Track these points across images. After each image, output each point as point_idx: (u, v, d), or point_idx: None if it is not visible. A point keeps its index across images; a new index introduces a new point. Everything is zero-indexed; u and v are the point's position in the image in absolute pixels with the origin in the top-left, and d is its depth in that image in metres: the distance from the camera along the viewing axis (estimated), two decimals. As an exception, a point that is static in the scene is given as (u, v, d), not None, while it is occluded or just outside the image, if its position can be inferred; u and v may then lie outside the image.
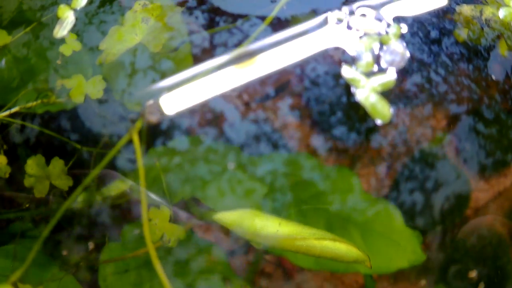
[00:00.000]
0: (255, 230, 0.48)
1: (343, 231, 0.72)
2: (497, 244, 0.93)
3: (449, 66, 1.00)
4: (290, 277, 0.96)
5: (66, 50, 0.56)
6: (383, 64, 0.38)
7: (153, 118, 0.42)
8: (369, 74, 0.37)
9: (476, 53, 0.99)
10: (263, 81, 0.99)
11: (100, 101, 0.67)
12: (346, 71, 0.37)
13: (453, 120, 1.02)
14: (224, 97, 0.80)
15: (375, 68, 0.42)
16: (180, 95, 0.63)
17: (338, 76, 0.46)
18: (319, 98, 0.90)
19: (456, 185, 0.97)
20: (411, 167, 0.98)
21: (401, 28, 0.38)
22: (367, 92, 0.37)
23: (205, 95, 0.77)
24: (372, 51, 0.38)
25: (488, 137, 1.00)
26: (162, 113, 0.42)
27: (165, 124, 0.87)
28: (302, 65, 0.95)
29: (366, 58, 0.37)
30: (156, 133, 0.87)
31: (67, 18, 0.51)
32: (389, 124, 0.89)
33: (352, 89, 0.39)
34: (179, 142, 0.72)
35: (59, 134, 0.63)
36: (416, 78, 0.98)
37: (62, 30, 0.51)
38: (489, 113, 1.00)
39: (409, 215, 0.96)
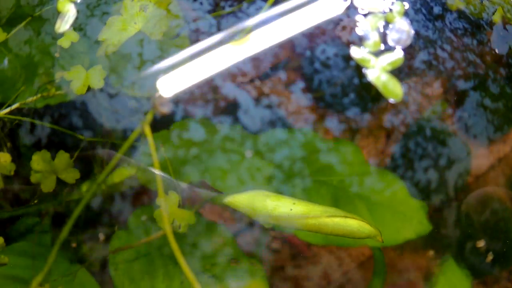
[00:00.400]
0: (267, 211, 0.48)
1: (349, 205, 0.73)
2: (504, 214, 0.94)
3: (454, 41, 1.00)
4: (298, 252, 0.97)
5: (64, 42, 0.56)
6: (390, 43, 0.38)
7: (164, 109, 0.41)
8: (377, 53, 0.37)
9: (478, 27, 0.99)
10: (265, 58, 0.99)
11: (110, 94, 0.67)
12: (355, 52, 0.37)
13: (459, 95, 1.02)
14: (236, 83, 0.80)
15: (382, 47, 0.41)
16: (186, 79, 0.63)
17: (347, 57, 0.46)
18: (330, 80, 0.90)
19: (456, 153, 0.97)
20: (414, 140, 0.98)
21: (404, 5, 0.38)
22: (377, 72, 0.37)
23: (211, 77, 0.77)
24: (378, 29, 0.38)
25: (493, 110, 1.00)
26: (172, 103, 0.42)
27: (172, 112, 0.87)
28: (311, 47, 0.95)
29: (373, 37, 0.37)
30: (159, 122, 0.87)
31: (68, 11, 0.50)
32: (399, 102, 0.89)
33: (363, 70, 0.39)
34: (195, 131, 0.72)
35: (66, 128, 0.63)
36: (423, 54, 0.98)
37: (64, 24, 0.51)
38: (494, 88, 1.01)
39: (413, 185, 0.97)
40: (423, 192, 0.96)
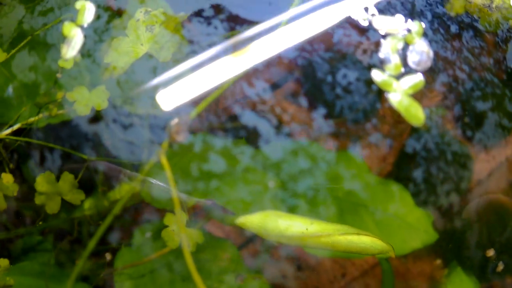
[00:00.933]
0: (279, 232, 0.47)
1: (354, 216, 0.73)
2: (505, 218, 0.94)
3: (472, 61, 1.00)
4: (302, 262, 0.96)
5: (66, 64, 0.55)
6: (411, 65, 0.37)
7: (180, 138, 0.41)
8: (398, 76, 0.37)
9: (494, 46, 0.99)
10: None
11: (124, 126, 0.66)
12: (377, 75, 0.36)
13: (451, 93, 1.02)
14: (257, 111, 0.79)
15: (403, 69, 0.41)
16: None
17: (369, 81, 0.45)
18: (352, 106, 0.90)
19: (458, 158, 0.97)
20: (412, 144, 0.98)
21: (423, 25, 0.37)
22: (399, 96, 0.36)
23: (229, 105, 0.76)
24: (398, 52, 0.37)
25: (486, 108, 1.00)
26: (188, 131, 0.42)
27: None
28: (332, 72, 0.95)
29: (394, 60, 0.36)
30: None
31: (74, 36, 0.49)
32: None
33: (385, 94, 0.39)
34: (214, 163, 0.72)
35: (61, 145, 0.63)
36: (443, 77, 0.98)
37: (71, 50, 0.50)
38: (486, 84, 1.01)
39: (414, 192, 0.97)
40: (426, 199, 0.96)
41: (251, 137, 0.72)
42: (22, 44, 0.59)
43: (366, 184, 0.75)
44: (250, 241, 0.95)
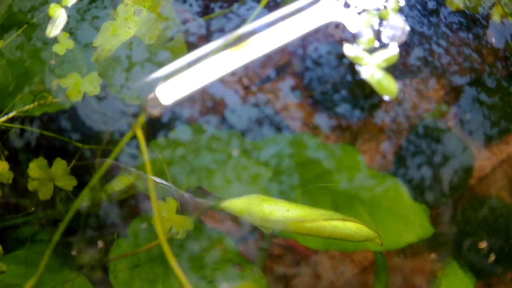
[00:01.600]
0: (264, 216, 0.47)
1: (350, 209, 0.72)
2: (507, 214, 0.93)
3: (449, 36, 0.99)
4: (300, 258, 0.96)
5: (59, 49, 0.56)
6: (384, 40, 0.37)
7: (155, 112, 0.41)
8: (371, 50, 0.37)
9: (474, 21, 0.98)
10: (263, 63, 0.98)
11: (99, 98, 0.67)
12: (349, 49, 0.36)
13: (455, 91, 1.02)
14: (224, 82, 0.79)
15: (377, 44, 0.41)
16: (178, 84, 0.63)
17: (340, 55, 0.45)
18: (321, 78, 0.90)
19: (459, 155, 0.97)
20: (414, 140, 0.98)
21: (399, 1, 0.37)
22: (372, 69, 0.36)
23: (203, 81, 0.77)
24: (372, 27, 0.37)
25: (490, 105, 0.99)
26: (163, 105, 0.42)
27: (166, 115, 0.87)
28: (304, 46, 0.95)
29: (367, 35, 0.36)
30: (157, 126, 0.87)
31: (59, 16, 0.50)
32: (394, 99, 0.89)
33: (356, 67, 0.39)
34: (181, 132, 0.72)
35: (59, 134, 0.63)
36: (418, 51, 0.97)
37: (55, 29, 0.50)
38: (491, 82, 1.00)
39: (414, 188, 0.96)
40: (423, 194, 0.96)
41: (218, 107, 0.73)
42: (19, 31, 0.60)
43: (362, 177, 0.74)
44: (248, 235, 0.95)
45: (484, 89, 1.00)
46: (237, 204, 0.50)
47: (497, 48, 1.02)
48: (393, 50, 0.35)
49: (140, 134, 0.43)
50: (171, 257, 0.49)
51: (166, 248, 0.49)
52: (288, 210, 0.47)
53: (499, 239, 0.85)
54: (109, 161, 0.65)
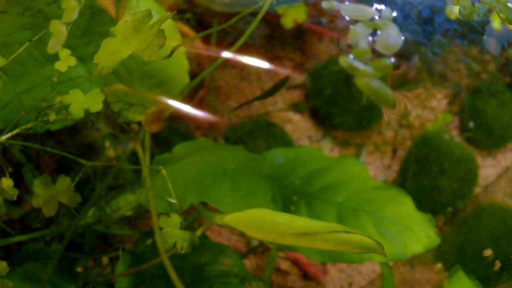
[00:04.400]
0: (266, 229, 0.47)
1: (355, 221, 0.72)
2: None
3: (444, 44, 0.99)
4: (307, 272, 0.96)
5: (61, 66, 0.56)
6: (380, 49, 0.37)
7: (154, 128, 0.41)
8: (366, 61, 0.37)
9: (473, 30, 0.98)
10: (260, 78, 0.99)
11: (102, 115, 0.67)
12: (343, 61, 0.36)
13: (458, 100, 1.01)
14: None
15: (372, 54, 0.41)
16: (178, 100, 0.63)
17: (336, 66, 0.45)
18: (320, 90, 0.89)
19: (463, 164, 0.96)
20: (418, 150, 0.98)
21: (393, 11, 0.37)
22: (367, 80, 0.36)
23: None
24: (367, 37, 0.37)
25: (493, 113, 0.99)
26: (162, 121, 0.42)
27: (168, 131, 0.87)
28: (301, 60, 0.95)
29: (362, 45, 0.36)
30: (161, 140, 0.87)
31: (59, 32, 0.50)
32: (391, 109, 0.88)
33: (353, 78, 0.39)
34: (184, 147, 0.72)
35: (62, 151, 0.63)
36: (414, 60, 0.97)
37: (56, 45, 0.51)
38: (493, 90, 1.00)
39: (419, 198, 0.96)
40: (430, 204, 0.95)
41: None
42: (21, 49, 0.60)
43: (366, 188, 0.74)
44: (254, 250, 0.95)
45: (487, 97, 1.00)
46: (239, 217, 0.49)
47: (498, 55, 1.01)
48: (388, 60, 0.35)
49: (140, 151, 0.42)
50: (173, 274, 0.49)
51: (167, 264, 0.49)
52: (290, 224, 0.47)
53: (504, 246, 0.85)
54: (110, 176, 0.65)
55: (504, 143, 1.01)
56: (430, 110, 1.01)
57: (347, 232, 0.47)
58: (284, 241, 0.47)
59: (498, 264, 0.62)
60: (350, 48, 0.38)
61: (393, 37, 0.37)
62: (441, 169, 0.95)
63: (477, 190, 0.98)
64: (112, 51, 0.48)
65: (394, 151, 1.01)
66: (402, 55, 0.94)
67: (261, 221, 0.48)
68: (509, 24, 0.43)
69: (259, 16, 0.42)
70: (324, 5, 0.41)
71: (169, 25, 0.70)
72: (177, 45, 0.46)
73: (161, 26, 0.47)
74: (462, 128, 1.01)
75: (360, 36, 0.37)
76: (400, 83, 0.98)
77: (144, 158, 0.42)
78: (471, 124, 1.00)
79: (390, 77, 0.86)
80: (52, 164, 0.89)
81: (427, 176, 0.95)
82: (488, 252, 0.65)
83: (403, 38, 0.36)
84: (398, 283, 0.91)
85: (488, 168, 1.00)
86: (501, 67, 1.02)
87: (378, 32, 0.37)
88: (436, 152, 0.96)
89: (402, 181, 0.97)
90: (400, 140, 1.00)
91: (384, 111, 0.92)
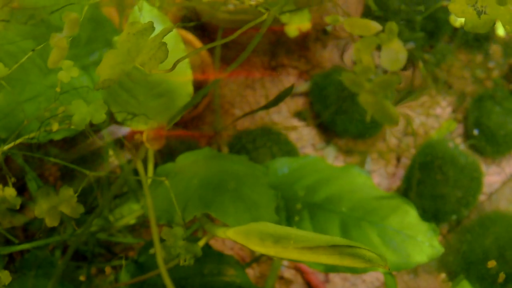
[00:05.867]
0: (268, 244, 0.47)
1: (359, 231, 0.71)
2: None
3: (448, 51, 0.99)
4: (310, 280, 0.95)
5: (64, 77, 0.56)
6: (384, 65, 0.36)
7: (156, 145, 0.41)
8: (370, 77, 0.36)
9: (474, 36, 0.98)
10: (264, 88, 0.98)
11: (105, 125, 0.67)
12: (346, 77, 0.36)
13: (462, 108, 1.01)
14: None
15: (376, 69, 0.40)
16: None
17: (340, 75, 0.45)
18: (324, 98, 0.89)
19: (468, 172, 0.96)
20: (422, 159, 0.97)
21: (397, 26, 0.37)
22: (370, 97, 0.36)
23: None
24: (370, 53, 0.37)
25: (497, 120, 0.98)
26: (164, 137, 0.41)
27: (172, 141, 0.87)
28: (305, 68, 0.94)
29: (366, 61, 0.36)
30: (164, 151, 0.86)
31: (61, 46, 0.50)
32: (394, 126, 0.88)
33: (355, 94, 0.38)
34: (187, 157, 0.72)
35: (65, 161, 0.63)
36: (417, 69, 0.97)
37: (57, 59, 0.50)
38: (497, 97, 0.99)
39: (424, 207, 0.95)
40: (434, 212, 0.95)
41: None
42: (24, 59, 0.60)
43: (370, 198, 0.73)
44: (257, 259, 0.94)
45: (491, 105, 0.99)
46: (242, 232, 0.49)
47: (503, 62, 1.01)
48: (392, 76, 0.34)
49: (140, 168, 0.42)
50: (170, 284, 0.49)
51: (165, 276, 0.49)
52: (293, 238, 0.46)
53: (509, 257, 0.84)
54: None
55: (509, 151, 1.00)
56: (435, 118, 1.01)
57: (350, 246, 0.46)
58: (286, 255, 0.47)
59: (502, 276, 0.61)
60: (353, 64, 0.38)
61: (397, 53, 0.36)
62: (445, 177, 0.94)
63: (482, 197, 0.97)
64: (114, 64, 0.48)
65: (398, 159, 1.00)
66: (406, 63, 0.94)
67: (264, 235, 0.47)
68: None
69: (262, 30, 0.42)
70: (328, 19, 0.41)
71: (173, 35, 0.69)
72: (180, 59, 0.45)
73: (164, 37, 0.46)
74: (467, 136, 1.01)
75: (363, 51, 0.37)
76: (406, 92, 0.98)
77: (145, 174, 0.42)
78: (475, 132, 0.99)
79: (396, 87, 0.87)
80: (56, 172, 0.89)
81: (431, 184, 0.95)
82: (492, 264, 0.64)
83: (406, 52, 0.36)
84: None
85: (493, 176, 1.00)
86: (506, 74, 1.01)
87: (383, 47, 0.37)
88: (440, 160, 0.95)
89: (406, 189, 0.96)
90: (404, 148, 0.99)
91: (387, 129, 0.92)
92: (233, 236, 0.49)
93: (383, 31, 0.37)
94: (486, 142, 0.99)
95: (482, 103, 0.99)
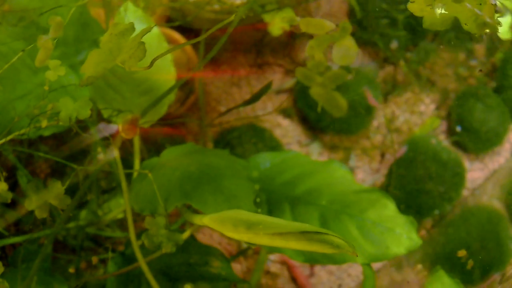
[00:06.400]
0: (242, 230, 0.51)
1: (338, 223, 0.76)
2: (496, 221, 0.96)
3: (431, 49, 1.03)
4: (295, 273, 1.00)
5: (51, 75, 0.61)
6: (335, 61, 0.41)
7: (130, 134, 0.45)
8: (322, 72, 0.40)
9: (457, 35, 1.02)
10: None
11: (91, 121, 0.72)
12: (299, 72, 0.40)
13: (445, 105, 1.05)
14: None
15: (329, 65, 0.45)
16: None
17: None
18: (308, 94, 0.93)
19: (451, 168, 1.00)
20: (406, 154, 1.02)
21: (351, 24, 0.41)
22: (320, 89, 0.40)
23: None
24: (322, 50, 0.41)
25: (481, 117, 1.03)
26: (137, 127, 0.46)
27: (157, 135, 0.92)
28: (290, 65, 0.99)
29: (318, 57, 0.40)
30: (150, 146, 0.91)
31: (47, 47, 0.55)
32: (380, 113, 0.93)
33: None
34: (171, 152, 0.77)
35: (54, 155, 0.68)
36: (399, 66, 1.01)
37: (43, 59, 0.55)
38: (480, 94, 1.04)
39: (407, 202, 1.00)
40: (417, 207, 0.99)
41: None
42: (15, 59, 0.65)
43: (349, 192, 0.78)
44: (244, 252, 0.99)
45: (473, 102, 1.04)
46: (217, 219, 0.53)
47: (485, 61, 1.06)
48: (341, 71, 0.39)
49: (117, 155, 0.47)
50: (151, 279, 0.53)
51: (145, 269, 0.53)
52: (264, 224, 0.51)
53: (489, 244, 0.89)
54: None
55: (492, 147, 1.05)
56: (418, 115, 1.05)
57: (318, 232, 0.51)
58: (258, 241, 0.51)
59: (471, 263, 0.65)
60: (307, 60, 0.42)
61: (349, 49, 0.40)
62: (428, 172, 0.99)
63: (465, 193, 1.02)
64: (98, 62, 0.52)
65: (383, 155, 1.05)
66: (397, 62, 0.99)
67: (237, 221, 0.52)
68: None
69: (230, 30, 0.46)
70: (284, 21, 0.45)
71: (156, 35, 0.74)
72: (157, 56, 0.50)
73: (147, 36, 0.51)
74: (450, 132, 1.06)
75: (316, 48, 0.41)
76: (391, 86, 1.03)
77: (120, 162, 0.46)
78: (458, 129, 1.04)
79: (384, 83, 0.91)
80: (47, 169, 0.94)
81: (414, 179, 0.99)
82: (462, 253, 0.69)
83: (356, 50, 0.40)
84: (387, 284, 0.95)
85: (476, 172, 1.04)
86: (488, 72, 1.06)
87: (336, 44, 0.41)
88: (423, 156, 1.00)
89: (390, 185, 1.01)
90: (388, 144, 1.04)
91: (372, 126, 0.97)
92: (208, 223, 0.53)
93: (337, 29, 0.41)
94: (469, 138, 1.04)
95: (465, 100, 1.04)
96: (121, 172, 0.47)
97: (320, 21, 0.41)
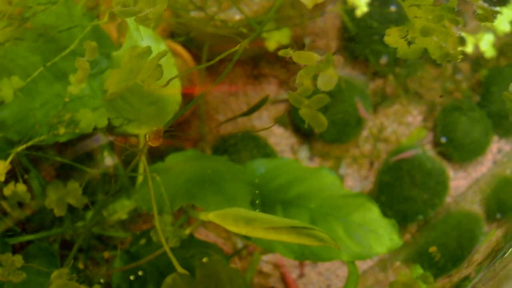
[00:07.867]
0: (241, 224, 0.65)
1: (325, 225, 0.89)
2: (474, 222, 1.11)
3: (418, 64, 1.18)
4: (285, 273, 1.14)
5: (73, 89, 0.74)
6: (320, 86, 0.53)
7: (156, 143, 0.58)
8: (309, 95, 0.53)
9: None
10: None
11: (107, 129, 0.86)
12: (291, 96, 0.53)
13: (431, 117, 1.20)
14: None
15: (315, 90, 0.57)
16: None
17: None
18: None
19: (435, 176, 1.15)
20: (393, 163, 1.16)
21: (334, 57, 0.53)
22: (307, 110, 0.52)
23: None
24: (310, 77, 0.53)
25: (465, 128, 1.18)
26: (161, 137, 0.58)
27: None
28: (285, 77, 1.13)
29: (306, 84, 0.53)
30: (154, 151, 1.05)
31: (84, 67, 0.68)
32: (369, 124, 1.07)
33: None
34: (175, 157, 0.91)
35: (70, 160, 0.81)
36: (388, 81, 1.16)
37: (81, 79, 0.69)
38: (465, 107, 1.19)
39: (394, 207, 1.14)
40: (402, 212, 1.14)
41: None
42: (36, 73, 0.79)
43: (337, 196, 0.91)
44: (239, 251, 1.13)
45: (458, 114, 1.19)
46: (220, 215, 0.67)
47: (470, 76, 1.21)
48: (324, 95, 0.52)
49: (145, 161, 0.59)
50: (176, 264, 0.65)
51: (171, 256, 0.64)
52: (260, 220, 0.64)
53: (464, 241, 1.03)
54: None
55: (475, 157, 1.20)
56: (406, 126, 1.20)
57: (306, 228, 0.65)
58: (255, 234, 0.65)
59: (438, 255, 0.79)
60: (298, 86, 0.53)
61: (331, 77, 0.53)
62: (413, 180, 1.14)
63: (448, 200, 1.17)
64: (120, 80, 0.66)
65: (371, 164, 1.19)
66: (378, 73, 1.13)
67: (237, 217, 0.66)
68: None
69: (235, 58, 0.60)
70: (280, 52, 0.58)
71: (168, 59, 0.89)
72: (172, 78, 0.64)
73: (155, 51, 0.65)
74: (436, 143, 1.20)
75: (305, 77, 0.54)
76: (380, 97, 1.18)
77: (148, 168, 0.59)
78: (443, 140, 1.19)
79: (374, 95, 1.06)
80: (52, 172, 1.07)
81: (400, 186, 1.14)
82: (433, 249, 0.82)
83: (337, 78, 0.52)
84: (372, 283, 1.09)
85: (460, 180, 1.19)
86: (473, 87, 1.21)
87: (320, 72, 0.54)
88: (408, 165, 1.15)
89: (378, 191, 1.16)
90: (376, 153, 1.19)
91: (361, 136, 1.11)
92: (213, 218, 0.68)
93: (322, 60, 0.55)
94: (454, 149, 1.19)
95: (450, 113, 1.19)
96: (148, 174, 0.60)
97: (310, 54, 0.54)
